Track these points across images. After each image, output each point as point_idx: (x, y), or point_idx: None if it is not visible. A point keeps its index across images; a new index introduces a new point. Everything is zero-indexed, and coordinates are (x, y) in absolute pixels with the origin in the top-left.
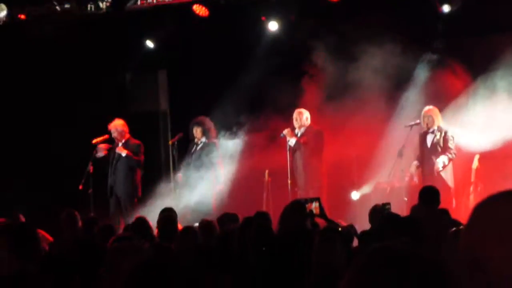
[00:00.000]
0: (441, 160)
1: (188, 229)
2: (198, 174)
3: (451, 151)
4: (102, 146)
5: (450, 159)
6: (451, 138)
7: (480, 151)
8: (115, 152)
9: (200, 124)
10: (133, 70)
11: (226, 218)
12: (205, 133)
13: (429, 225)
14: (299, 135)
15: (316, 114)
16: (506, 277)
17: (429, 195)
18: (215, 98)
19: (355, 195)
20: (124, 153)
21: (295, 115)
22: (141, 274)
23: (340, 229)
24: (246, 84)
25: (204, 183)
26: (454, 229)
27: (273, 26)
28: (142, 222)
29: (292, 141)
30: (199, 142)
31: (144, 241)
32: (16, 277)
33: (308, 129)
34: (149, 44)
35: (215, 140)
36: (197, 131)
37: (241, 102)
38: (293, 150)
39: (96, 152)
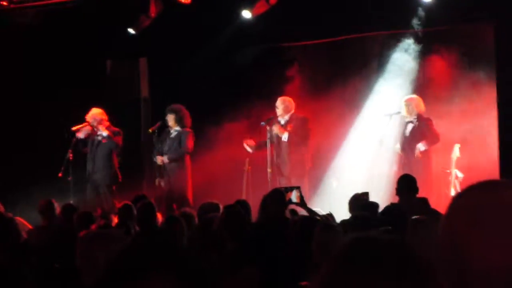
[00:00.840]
0: (421, 145)
1: (173, 218)
2: (166, 161)
3: (433, 138)
4: (86, 128)
5: (430, 144)
6: (432, 125)
7: (461, 140)
8: (94, 139)
9: (173, 111)
10: (114, 58)
11: (207, 207)
12: (178, 121)
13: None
14: (282, 122)
15: (297, 102)
16: (486, 263)
17: (406, 184)
18: (196, 86)
19: (333, 183)
20: (105, 133)
21: (278, 103)
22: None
23: (318, 217)
24: (226, 72)
25: (177, 172)
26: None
27: (247, 14)
28: (128, 208)
29: (285, 136)
30: (172, 131)
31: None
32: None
33: (292, 117)
34: (131, 31)
35: (188, 129)
36: (170, 118)
37: (222, 90)
38: (278, 138)
39: (76, 139)
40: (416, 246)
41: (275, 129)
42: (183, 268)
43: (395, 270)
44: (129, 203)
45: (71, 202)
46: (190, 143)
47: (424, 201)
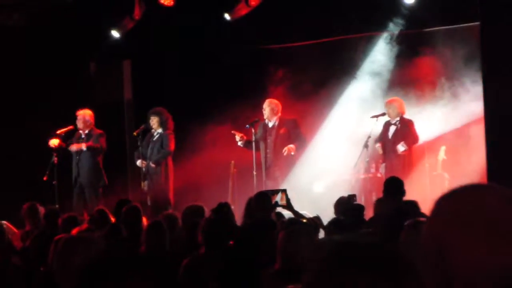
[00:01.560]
0: (400, 146)
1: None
2: (153, 165)
3: (413, 140)
4: (74, 146)
5: (409, 145)
6: (412, 127)
7: (446, 142)
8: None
9: (156, 114)
10: (97, 60)
11: (191, 210)
12: (161, 123)
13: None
14: (270, 125)
15: (283, 104)
16: (469, 267)
17: (392, 187)
18: (180, 88)
19: (318, 186)
20: (84, 148)
21: (264, 105)
22: (97, 268)
23: (305, 220)
24: (211, 74)
25: (159, 174)
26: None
27: (227, 16)
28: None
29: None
30: (155, 133)
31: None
32: None
33: (282, 120)
34: (115, 34)
35: (170, 132)
36: (153, 121)
37: (207, 92)
38: (271, 141)
39: (61, 142)
40: (411, 250)
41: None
42: (159, 271)
43: (380, 270)
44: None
45: (57, 206)
46: (171, 144)
47: (413, 204)
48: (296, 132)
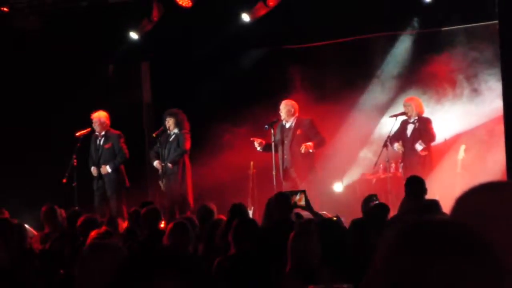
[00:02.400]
0: (417, 145)
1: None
2: (170, 165)
3: (429, 138)
4: (99, 170)
5: (426, 144)
6: (429, 125)
7: (466, 141)
8: (97, 145)
9: (172, 115)
10: (116, 62)
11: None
12: (177, 124)
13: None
14: (287, 126)
15: (301, 105)
16: None
17: (414, 186)
18: (198, 90)
19: (338, 186)
20: (109, 170)
21: (281, 106)
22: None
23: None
24: (229, 75)
25: (177, 174)
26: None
27: (246, 17)
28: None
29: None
30: (171, 134)
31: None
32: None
33: (298, 121)
34: (133, 35)
35: (186, 131)
36: (169, 122)
37: (225, 92)
38: (287, 142)
39: (80, 144)
40: None
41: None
42: (187, 271)
43: (461, 246)
44: (138, 209)
45: (76, 208)
46: (187, 143)
47: (435, 203)
48: (313, 131)
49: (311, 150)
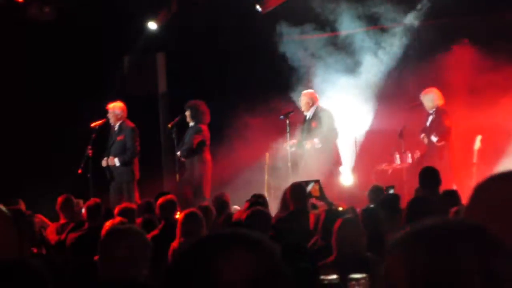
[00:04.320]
0: (432, 137)
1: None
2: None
3: (442, 130)
4: (106, 161)
5: (439, 136)
6: (443, 117)
7: (482, 132)
8: (111, 137)
9: (189, 107)
10: (131, 53)
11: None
12: (193, 117)
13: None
14: (307, 117)
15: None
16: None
17: (428, 176)
18: (214, 81)
19: (348, 179)
20: (117, 163)
21: (302, 97)
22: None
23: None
24: (245, 66)
25: (194, 165)
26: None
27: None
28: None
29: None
30: (190, 125)
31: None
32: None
33: (316, 113)
34: (152, 26)
35: (200, 125)
36: (187, 114)
37: (241, 83)
38: (305, 134)
39: (96, 135)
40: None
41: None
42: (260, 248)
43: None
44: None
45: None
46: (195, 138)
47: (453, 193)
48: (327, 123)
49: (316, 146)
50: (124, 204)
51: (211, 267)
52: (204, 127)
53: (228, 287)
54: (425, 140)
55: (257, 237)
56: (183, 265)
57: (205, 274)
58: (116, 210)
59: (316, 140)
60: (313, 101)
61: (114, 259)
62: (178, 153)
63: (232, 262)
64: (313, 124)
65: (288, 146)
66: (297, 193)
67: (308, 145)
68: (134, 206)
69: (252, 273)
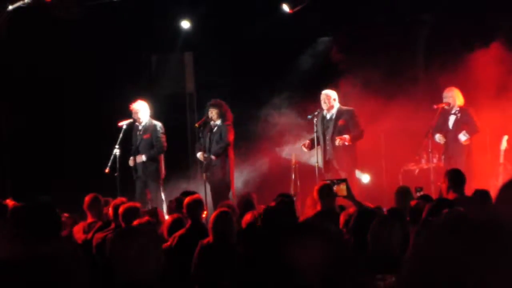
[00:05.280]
0: (461, 135)
1: (224, 213)
2: (213, 158)
3: (474, 127)
4: (133, 160)
5: (471, 133)
6: (473, 114)
7: (509, 131)
8: (137, 135)
9: (216, 106)
10: (159, 52)
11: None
12: (221, 115)
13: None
14: (328, 117)
15: (341, 95)
16: None
17: (453, 179)
18: (241, 80)
19: (365, 178)
20: (144, 159)
21: (322, 97)
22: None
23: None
24: (271, 66)
25: (220, 165)
26: None
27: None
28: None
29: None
30: (214, 125)
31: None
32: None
33: (340, 111)
34: (185, 25)
35: (229, 123)
36: (213, 113)
37: (269, 83)
38: (329, 133)
39: (123, 135)
40: None
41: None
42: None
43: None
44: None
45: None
46: (230, 136)
47: (485, 194)
48: (352, 122)
49: (346, 143)
50: (129, 204)
51: (286, 254)
52: (232, 125)
53: (301, 272)
54: (442, 140)
55: (325, 228)
56: (258, 252)
57: (279, 260)
58: (120, 210)
59: (346, 136)
60: (335, 100)
61: (124, 260)
62: (199, 155)
63: (304, 249)
64: (340, 122)
65: (304, 149)
66: (324, 193)
67: (338, 141)
68: (138, 205)
69: (321, 259)
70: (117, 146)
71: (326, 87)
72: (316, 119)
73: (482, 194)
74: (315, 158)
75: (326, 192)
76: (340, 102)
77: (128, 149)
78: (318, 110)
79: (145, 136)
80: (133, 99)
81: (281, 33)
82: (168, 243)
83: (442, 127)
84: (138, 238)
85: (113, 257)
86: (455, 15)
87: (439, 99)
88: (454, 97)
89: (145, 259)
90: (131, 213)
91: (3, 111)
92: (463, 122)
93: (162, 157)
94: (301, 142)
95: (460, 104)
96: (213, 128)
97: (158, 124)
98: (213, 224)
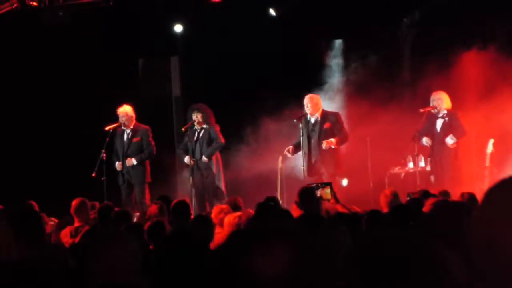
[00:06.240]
0: (449, 139)
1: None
2: (206, 160)
3: (461, 131)
4: (126, 162)
5: (458, 137)
6: (460, 118)
7: (494, 135)
8: (124, 140)
9: (200, 109)
10: (145, 56)
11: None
12: (205, 118)
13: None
14: (312, 121)
15: (326, 99)
16: None
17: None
18: (227, 84)
19: (344, 181)
20: (135, 163)
21: (306, 100)
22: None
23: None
24: (258, 70)
25: (210, 169)
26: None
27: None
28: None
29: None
30: (199, 129)
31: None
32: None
33: (324, 115)
34: (177, 28)
35: (216, 125)
36: (197, 117)
37: (254, 86)
38: (315, 137)
39: (110, 138)
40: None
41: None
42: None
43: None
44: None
45: (108, 202)
46: (221, 136)
47: (471, 197)
48: (338, 126)
49: (333, 147)
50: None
51: (249, 261)
52: (218, 125)
53: (266, 281)
54: (429, 143)
55: (292, 230)
56: (221, 260)
57: (242, 268)
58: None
59: (333, 140)
60: (319, 104)
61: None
62: (186, 160)
63: (269, 256)
64: (326, 126)
65: (288, 154)
66: (306, 197)
67: (324, 145)
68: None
69: (289, 266)
70: (103, 150)
71: (313, 90)
72: (300, 123)
73: (468, 198)
74: (301, 161)
75: (307, 196)
76: (326, 105)
77: (111, 154)
78: (305, 113)
79: (134, 140)
80: (119, 102)
81: (268, 37)
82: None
83: (429, 131)
84: (113, 244)
85: (88, 263)
86: (441, 18)
87: (426, 103)
88: (442, 101)
89: (121, 264)
90: (122, 217)
91: None
92: (450, 126)
93: (147, 162)
94: (288, 144)
95: (447, 108)
96: (200, 132)
97: (148, 128)
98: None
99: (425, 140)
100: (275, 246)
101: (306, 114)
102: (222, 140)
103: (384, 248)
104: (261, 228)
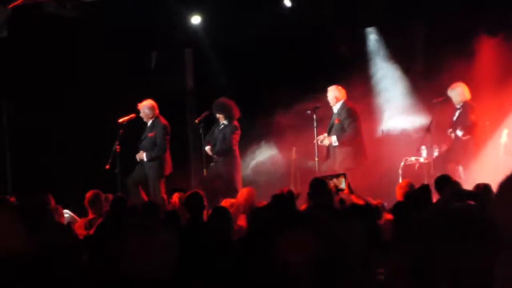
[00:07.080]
0: (458, 131)
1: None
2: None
3: (468, 124)
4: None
5: (464, 130)
6: (469, 111)
7: (509, 125)
8: (145, 132)
9: (222, 109)
10: (159, 49)
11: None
12: (227, 117)
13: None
14: (335, 111)
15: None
16: None
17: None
18: (241, 76)
19: (377, 172)
20: (145, 158)
21: (328, 92)
22: None
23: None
24: (271, 62)
25: (224, 161)
26: None
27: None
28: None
29: (334, 140)
30: (221, 124)
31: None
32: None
33: (341, 109)
34: (195, 20)
35: (234, 125)
36: (219, 116)
37: (269, 79)
38: (329, 129)
39: (123, 131)
40: None
41: (322, 138)
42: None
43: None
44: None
45: (120, 194)
46: (233, 138)
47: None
48: (346, 122)
49: (333, 144)
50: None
51: (275, 248)
52: (238, 124)
53: (292, 267)
54: (452, 135)
55: (317, 218)
56: (247, 248)
57: (269, 255)
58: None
59: (333, 138)
60: (340, 96)
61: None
62: (207, 149)
63: (295, 243)
64: (336, 121)
65: (317, 140)
66: (317, 188)
67: (326, 141)
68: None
69: (314, 253)
70: (117, 143)
71: (334, 82)
72: (315, 114)
73: (483, 188)
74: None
75: (319, 187)
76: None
77: (128, 145)
78: (319, 105)
79: (150, 134)
80: (133, 95)
81: (282, 28)
82: None
83: (451, 122)
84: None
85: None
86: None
87: (441, 94)
88: (458, 93)
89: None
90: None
91: (5, 109)
92: (462, 118)
93: (168, 154)
94: (302, 136)
95: (463, 100)
96: (219, 126)
97: (165, 125)
98: (208, 220)
99: (449, 131)
100: (301, 234)
101: (319, 105)
102: (231, 142)
103: (456, 216)
104: (288, 216)
